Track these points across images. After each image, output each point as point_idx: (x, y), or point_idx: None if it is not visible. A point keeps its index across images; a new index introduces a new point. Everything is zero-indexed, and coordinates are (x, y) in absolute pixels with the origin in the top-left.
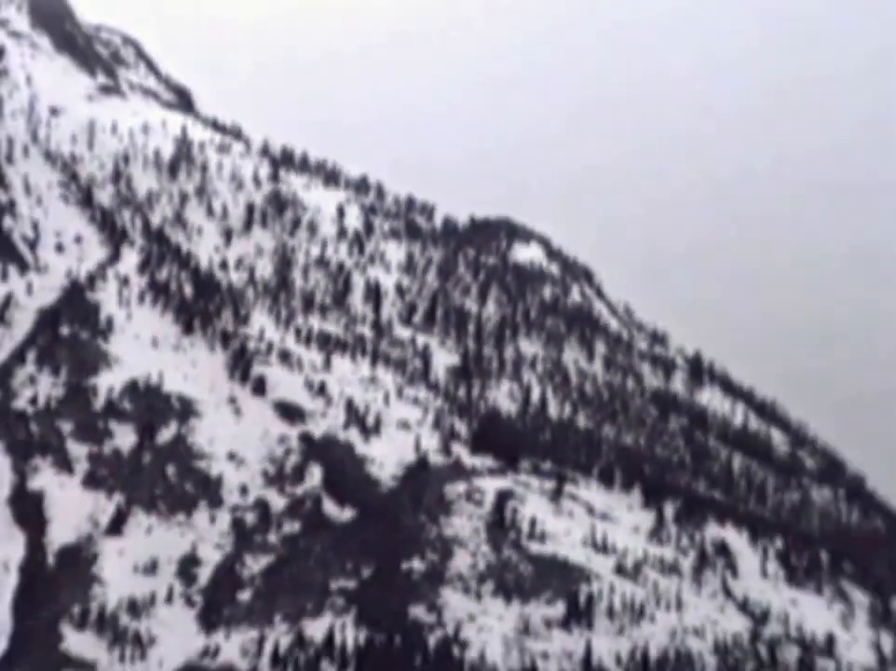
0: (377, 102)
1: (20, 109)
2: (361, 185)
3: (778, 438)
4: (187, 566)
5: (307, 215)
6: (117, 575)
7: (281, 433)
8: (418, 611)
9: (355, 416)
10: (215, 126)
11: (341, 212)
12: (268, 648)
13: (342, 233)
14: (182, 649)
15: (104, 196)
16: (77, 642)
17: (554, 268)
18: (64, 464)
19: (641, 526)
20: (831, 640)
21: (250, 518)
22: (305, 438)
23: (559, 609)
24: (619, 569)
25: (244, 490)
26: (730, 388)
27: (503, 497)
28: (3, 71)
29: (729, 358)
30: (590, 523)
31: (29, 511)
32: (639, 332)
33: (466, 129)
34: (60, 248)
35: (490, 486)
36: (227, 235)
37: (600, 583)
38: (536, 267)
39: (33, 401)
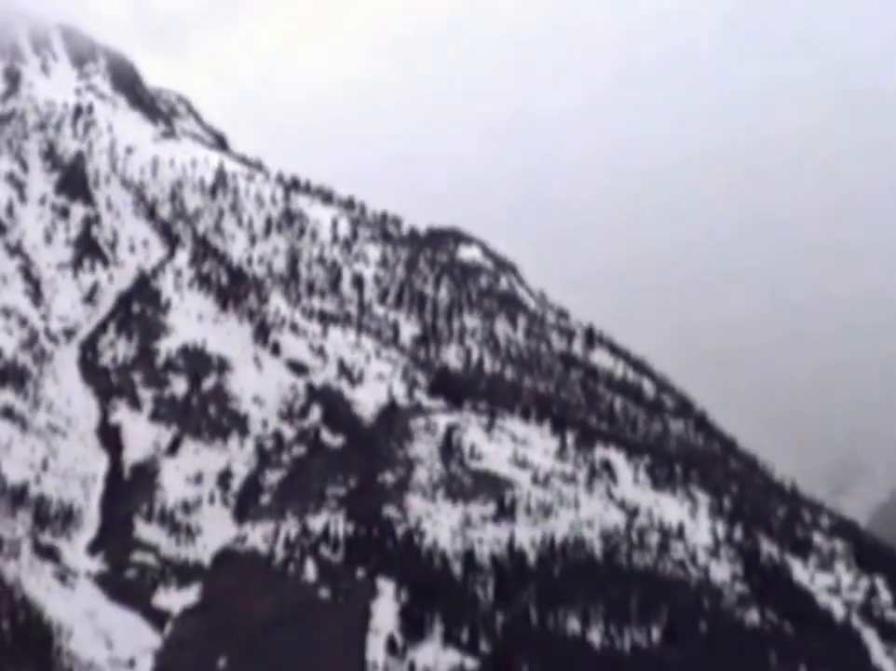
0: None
1: (104, 149)
2: (349, 204)
3: (647, 385)
4: (224, 477)
5: (310, 225)
6: (174, 484)
7: (291, 383)
8: (390, 510)
9: (345, 370)
10: (244, 160)
11: (334, 224)
12: (282, 536)
13: (335, 238)
14: (220, 537)
15: (164, 211)
16: (145, 531)
17: (489, 264)
18: (135, 404)
19: (549, 449)
20: (681, 528)
21: (268, 444)
22: (309, 386)
23: (490, 508)
24: (534, 480)
25: (265, 424)
26: (614, 349)
27: (451, 429)
28: (92, 122)
29: (614, 327)
30: (513, 447)
31: (110, 438)
32: (549, 309)
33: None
34: (132, 249)
35: (442, 421)
36: (252, 239)
37: (520, 490)
38: (475, 263)
39: (114, 359)
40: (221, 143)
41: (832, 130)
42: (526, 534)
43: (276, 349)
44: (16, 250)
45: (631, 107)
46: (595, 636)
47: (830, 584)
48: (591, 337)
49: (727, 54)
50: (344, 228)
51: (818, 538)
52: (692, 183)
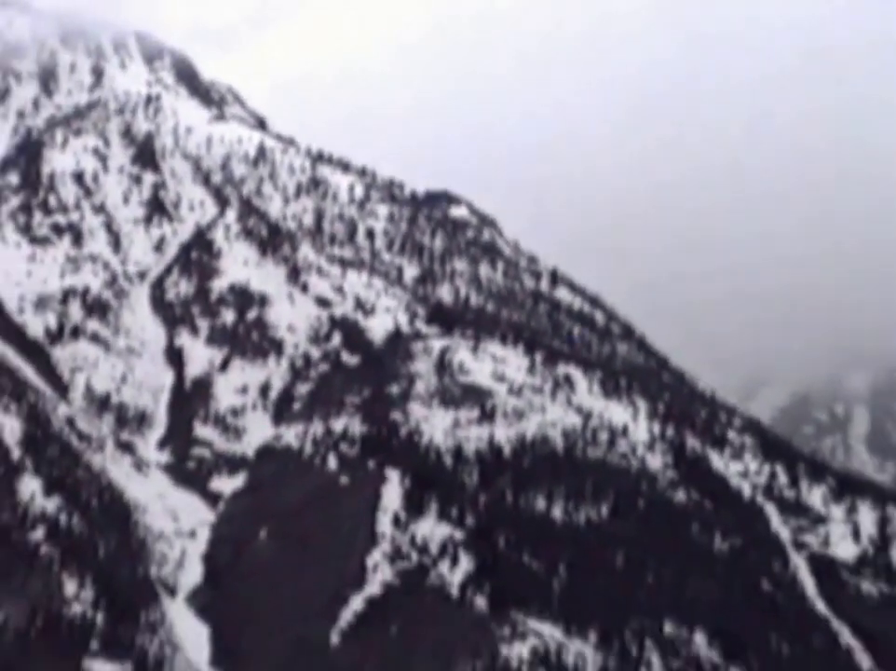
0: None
1: (169, 130)
2: (363, 172)
3: (599, 315)
4: (264, 389)
5: (332, 189)
6: (224, 394)
7: (317, 314)
8: (395, 415)
9: (360, 304)
10: (279, 138)
11: (351, 188)
12: (310, 435)
13: (352, 200)
14: (261, 436)
15: (216, 178)
16: (203, 431)
17: (474, 220)
18: (194, 331)
19: (522, 366)
20: (625, 428)
21: (299, 363)
22: (331, 317)
23: (475, 413)
24: (510, 390)
25: (296, 347)
26: (574, 287)
27: (444, 351)
28: (160, 108)
29: (574, 267)
30: (493, 364)
31: (175, 358)
32: (522, 256)
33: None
34: (191, 208)
35: (437, 345)
36: (286, 200)
37: (499, 398)
38: (463, 220)
39: (177, 295)
40: (261, 124)
41: None
42: (503, 433)
43: (305, 288)
44: (100, 209)
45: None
46: (557, 513)
47: (740, 470)
48: (555, 278)
49: None
50: (359, 192)
51: (731, 434)
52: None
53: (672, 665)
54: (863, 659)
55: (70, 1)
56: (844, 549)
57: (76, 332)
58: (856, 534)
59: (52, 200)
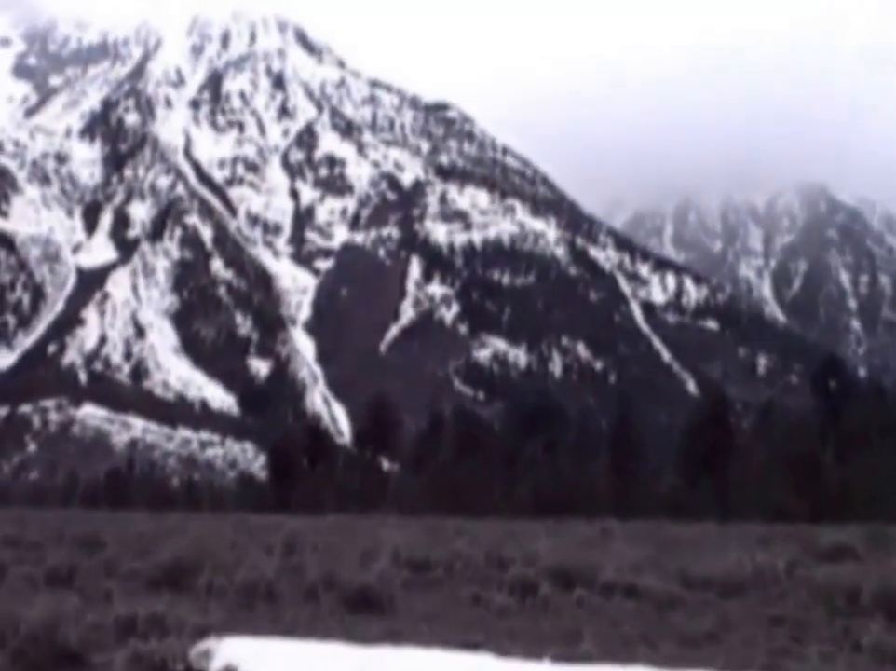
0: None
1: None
2: (399, 92)
3: (512, 159)
4: (344, 211)
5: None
6: (321, 214)
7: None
8: (418, 227)
9: (397, 165)
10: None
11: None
12: (370, 237)
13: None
14: (342, 237)
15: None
16: (310, 235)
17: (465, 121)
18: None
19: (485, 199)
20: (544, 234)
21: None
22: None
23: (461, 225)
24: (480, 213)
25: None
26: (517, 156)
27: (444, 192)
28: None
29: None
30: (470, 199)
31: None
32: (497, 148)
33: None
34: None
35: (439, 188)
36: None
37: (475, 218)
38: (459, 120)
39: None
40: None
41: None
42: (476, 236)
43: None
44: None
45: None
46: (506, 280)
47: (605, 256)
48: (505, 151)
49: None
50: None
51: (601, 237)
52: None
53: (566, 362)
54: (663, 351)
55: None
56: (657, 297)
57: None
58: (665, 289)
59: None
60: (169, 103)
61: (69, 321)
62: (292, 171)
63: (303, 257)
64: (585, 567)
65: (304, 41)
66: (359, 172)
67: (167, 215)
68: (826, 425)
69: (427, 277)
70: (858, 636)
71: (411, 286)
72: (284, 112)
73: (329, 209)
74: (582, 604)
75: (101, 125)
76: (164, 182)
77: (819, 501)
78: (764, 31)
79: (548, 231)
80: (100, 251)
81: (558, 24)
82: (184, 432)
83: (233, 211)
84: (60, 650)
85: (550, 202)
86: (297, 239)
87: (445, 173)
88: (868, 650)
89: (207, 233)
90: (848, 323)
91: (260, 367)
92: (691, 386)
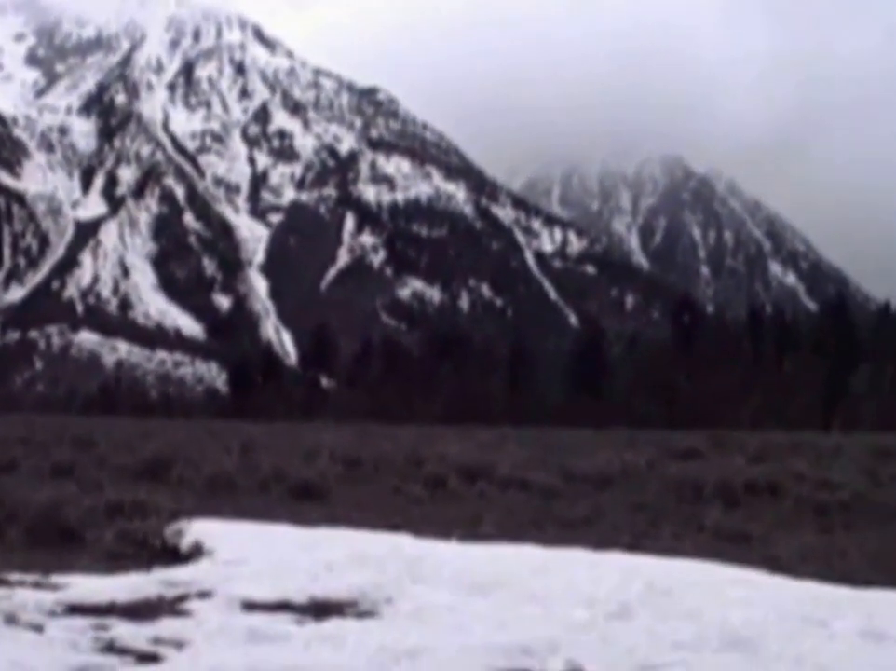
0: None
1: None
2: (337, 77)
3: (432, 137)
4: (293, 176)
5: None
6: (275, 177)
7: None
8: (354, 189)
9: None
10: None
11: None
12: (314, 196)
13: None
14: (290, 196)
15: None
16: (265, 195)
17: (391, 102)
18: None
19: (408, 166)
20: (455, 195)
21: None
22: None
23: (388, 187)
24: (404, 177)
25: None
26: (443, 138)
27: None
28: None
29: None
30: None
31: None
32: (417, 124)
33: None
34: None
35: (370, 157)
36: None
37: (400, 182)
38: (386, 101)
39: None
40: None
41: None
42: (399, 196)
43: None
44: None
45: None
46: (424, 232)
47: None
48: (425, 127)
49: None
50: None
51: (502, 196)
52: None
53: (472, 299)
54: (551, 291)
55: None
56: (546, 247)
57: None
58: (552, 241)
59: None
60: (150, 87)
61: (68, 263)
62: (250, 141)
63: (258, 212)
64: (485, 464)
65: (260, 37)
66: (305, 143)
67: (148, 177)
68: (680, 351)
69: (359, 229)
70: (701, 520)
71: (346, 236)
72: (244, 94)
73: (280, 173)
74: (483, 495)
75: (96, 104)
76: (146, 150)
77: (673, 412)
78: (638, 16)
79: (458, 193)
80: (93, 206)
81: (469, 15)
82: (161, 354)
83: (202, 174)
84: (61, 528)
85: (460, 169)
86: (254, 197)
87: (375, 145)
88: (709, 531)
89: (180, 192)
90: (699, 269)
91: (223, 302)
92: (573, 320)
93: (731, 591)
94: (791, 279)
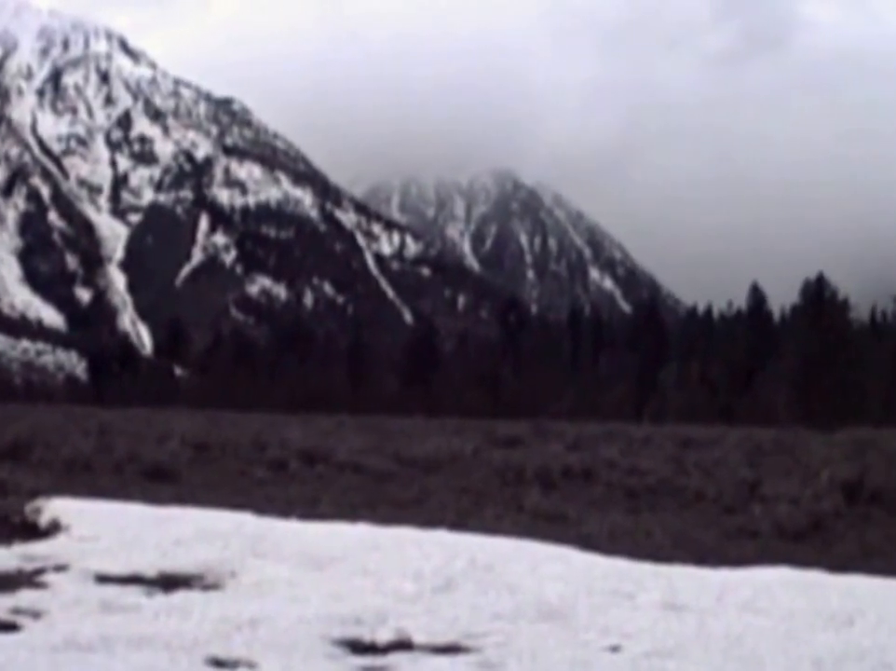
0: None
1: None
2: (197, 89)
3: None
4: (153, 178)
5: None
6: (142, 185)
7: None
8: (209, 192)
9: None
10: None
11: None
12: (172, 198)
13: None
14: (148, 198)
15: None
16: (127, 198)
17: (246, 112)
18: None
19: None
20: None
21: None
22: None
23: (262, 189)
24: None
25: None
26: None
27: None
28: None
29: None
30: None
31: None
32: (269, 133)
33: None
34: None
35: (231, 165)
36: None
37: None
38: (241, 111)
39: None
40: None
41: None
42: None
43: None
44: None
45: None
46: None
47: (354, 221)
48: (276, 136)
49: None
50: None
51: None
52: None
53: (315, 296)
54: (389, 290)
55: None
56: (385, 249)
57: None
58: (391, 244)
59: None
60: (21, 92)
61: None
62: (113, 146)
63: (118, 212)
64: (324, 449)
65: (125, 48)
66: (164, 148)
67: (16, 177)
68: (506, 348)
69: (212, 229)
70: (521, 501)
71: (200, 236)
72: (108, 101)
73: (140, 175)
74: (321, 477)
75: None
76: (15, 151)
77: (499, 403)
78: (478, 39)
79: (305, 198)
80: None
81: (321, 30)
82: (25, 343)
83: (66, 175)
84: None
85: (307, 176)
86: (115, 198)
87: (229, 151)
88: (528, 511)
89: (46, 191)
90: (526, 273)
91: (84, 295)
92: (408, 317)
93: (547, 566)
94: (608, 283)
